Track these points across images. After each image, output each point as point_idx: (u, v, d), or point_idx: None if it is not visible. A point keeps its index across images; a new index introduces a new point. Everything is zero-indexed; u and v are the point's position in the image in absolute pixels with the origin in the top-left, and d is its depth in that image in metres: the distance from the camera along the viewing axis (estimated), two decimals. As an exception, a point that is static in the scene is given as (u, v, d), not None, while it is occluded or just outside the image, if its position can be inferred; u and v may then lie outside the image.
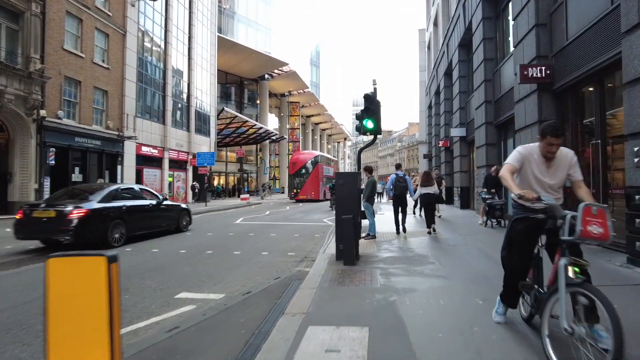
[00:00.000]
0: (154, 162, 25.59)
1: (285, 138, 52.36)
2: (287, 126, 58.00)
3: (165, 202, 11.56)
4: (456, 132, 18.60)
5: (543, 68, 8.65)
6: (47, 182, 16.10)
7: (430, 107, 31.65)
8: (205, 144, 31.85)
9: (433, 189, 10.45)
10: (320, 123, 76.62)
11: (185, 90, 29.18)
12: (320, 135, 78.65)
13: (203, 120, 32.00)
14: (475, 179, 16.08)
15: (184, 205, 13.06)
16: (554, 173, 3.26)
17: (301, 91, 57.92)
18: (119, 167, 21.21)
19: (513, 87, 11.21)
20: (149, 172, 24.76)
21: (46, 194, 16.01)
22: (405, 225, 10.29)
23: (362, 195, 9.94)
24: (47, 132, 16.01)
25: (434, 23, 28.60)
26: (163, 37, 26.24)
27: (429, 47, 33.53)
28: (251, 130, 40.69)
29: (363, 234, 9.91)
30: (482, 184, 11.76)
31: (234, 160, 50.33)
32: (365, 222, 10.45)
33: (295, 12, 61.49)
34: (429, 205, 10.43)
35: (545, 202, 2.97)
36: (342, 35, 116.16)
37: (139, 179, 23.54)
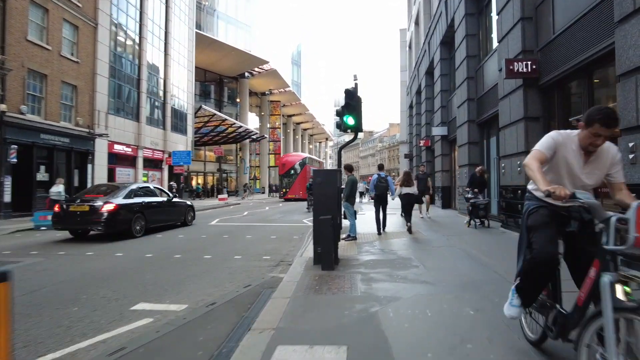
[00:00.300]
0: (128, 161, 24.60)
1: (265, 137, 51.59)
2: (268, 125, 57.24)
3: (173, 200, 13.10)
4: (437, 131, 18.37)
5: (529, 63, 8.35)
6: (7, 182, 15.08)
7: (411, 106, 31.52)
8: (182, 143, 30.93)
9: (413, 189, 10.55)
10: (302, 123, 76.03)
11: (161, 86, 28.22)
12: (301, 135, 78.09)
13: (180, 118, 31.06)
14: (457, 178, 15.84)
15: (189, 202, 14.45)
16: (591, 171, 2.63)
17: (282, 90, 57.25)
18: (89, 166, 20.21)
19: (497, 84, 10.94)
20: (121, 172, 23.77)
21: (7, 194, 15.02)
22: (387, 224, 10.32)
23: (342, 194, 9.57)
24: (7, 128, 14.99)
25: (415, 22, 28.44)
26: (138, 31, 25.26)
27: (410, 47, 33.41)
28: (230, 129, 39.84)
29: (343, 235, 9.51)
30: (467, 183, 11.46)
31: (213, 159, 49.35)
32: (345, 223, 10.01)
33: (276, 10, 60.86)
34: (408, 205, 10.47)
35: (583, 200, 2.32)
36: (324, 35, 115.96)
37: (110, 179, 22.55)
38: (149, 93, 26.44)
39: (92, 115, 20.47)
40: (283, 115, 65.84)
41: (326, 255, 5.70)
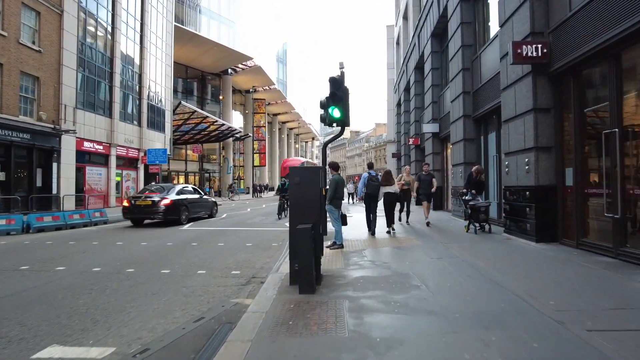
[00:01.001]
0: (99, 159, 23.00)
1: (249, 136, 50.11)
2: (253, 124, 55.78)
3: (204, 197, 16.56)
4: (428, 128, 17.35)
5: (539, 46, 7.30)
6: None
7: (399, 104, 30.54)
8: (159, 141, 29.37)
9: (393, 188, 10.15)
10: (288, 122, 74.77)
11: (137, 81, 26.64)
12: (287, 135, 76.82)
13: (157, 115, 29.49)
14: (451, 178, 14.83)
15: (213, 199, 18.02)
16: None
17: (267, 88, 55.90)
18: (54, 165, 18.62)
19: (497, 74, 9.93)
20: (92, 171, 22.19)
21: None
22: (376, 225, 9.94)
23: (326, 196, 8.45)
24: (-45, 122, 13.45)
25: (403, 16, 27.45)
26: (110, 21, 23.67)
27: (397, 43, 32.43)
28: (212, 127, 38.29)
29: (328, 243, 8.40)
30: (464, 183, 10.41)
31: (196, 159, 47.75)
32: (331, 229, 8.86)
33: (261, 7, 59.38)
34: (390, 205, 10.06)
35: None
36: (310, 34, 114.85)
37: (79, 179, 20.99)
38: (123, 87, 24.87)
39: (58, 109, 18.89)
40: (268, 114, 64.47)
41: (305, 274, 4.53)
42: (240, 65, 47.71)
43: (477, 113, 11.96)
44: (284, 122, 73.53)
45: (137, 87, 26.71)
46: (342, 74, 9.60)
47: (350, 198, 25.24)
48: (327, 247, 8.24)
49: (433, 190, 11.63)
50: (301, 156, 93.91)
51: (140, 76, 26.92)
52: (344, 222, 8.51)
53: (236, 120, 54.31)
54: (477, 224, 9.47)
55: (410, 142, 22.39)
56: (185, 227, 13.26)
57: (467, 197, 9.98)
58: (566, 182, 7.25)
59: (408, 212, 12.12)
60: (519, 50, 7.37)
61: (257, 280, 5.84)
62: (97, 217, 14.58)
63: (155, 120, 29.30)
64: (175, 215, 13.64)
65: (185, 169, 43.61)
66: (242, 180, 53.47)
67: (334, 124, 9.81)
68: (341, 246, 8.11)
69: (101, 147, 22.61)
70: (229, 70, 47.86)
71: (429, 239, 8.77)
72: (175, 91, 43.52)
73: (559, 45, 7.15)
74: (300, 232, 4.60)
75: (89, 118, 21.44)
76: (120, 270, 6.63)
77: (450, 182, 15.26)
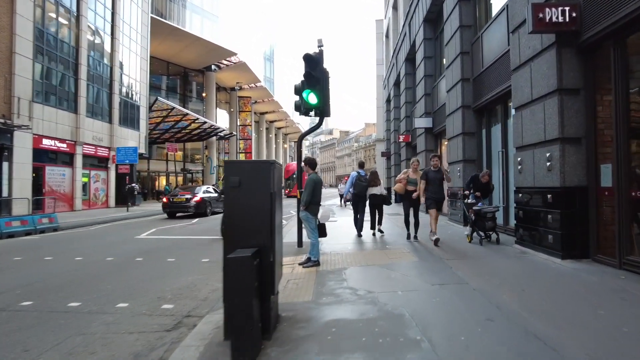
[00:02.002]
0: (63, 158, 21.00)
1: (234, 135, 48.21)
2: (238, 122, 53.87)
3: (222, 196, 16.73)
4: (421, 122, 15.77)
5: (567, 9, 5.72)
6: None
7: (388, 100, 29.00)
8: (133, 139, 27.39)
9: (379, 190, 9.55)
10: (275, 121, 72.90)
11: (108, 74, 24.64)
12: (275, 134, 74.94)
13: (131, 111, 27.49)
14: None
15: None
16: None
17: (253, 85, 54.04)
18: (4, 164, 16.65)
19: (504, 55, 8.42)
20: (54, 171, 20.17)
21: None
22: (364, 229, 9.60)
23: (301, 200, 6.89)
24: None
25: (393, 6, 25.90)
26: (75, 8, 21.69)
27: (387, 36, 30.89)
28: (194, 125, 36.32)
29: (302, 258, 6.81)
30: (466, 184, 8.81)
31: (180, 158, 45.76)
32: (307, 240, 7.23)
33: (247, 2, 57.49)
34: (374, 206, 9.54)
35: None
36: (299, 32, 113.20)
37: (38, 179, 18.99)
38: (91, 80, 22.87)
39: (9, 102, 16.92)
40: (255, 113, 62.60)
41: (240, 331, 2.85)
42: (224, 62, 45.77)
43: (478, 103, 10.39)
44: (271, 121, 71.67)
45: (108, 80, 24.71)
46: (321, 52, 7.94)
47: (340, 200, 22.93)
48: (300, 264, 6.62)
49: (446, 192, 8.94)
50: (289, 156, 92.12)
51: (111, 69, 24.91)
52: (323, 233, 6.87)
53: (221, 119, 52.35)
54: (482, 233, 7.87)
55: (401, 140, 20.82)
56: (143, 235, 11.49)
57: (469, 201, 8.41)
58: (601, 182, 5.67)
59: (417, 224, 8.71)
60: (540, 15, 5.78)
61: (190, 321, 4.14)
62: (44, 223, 12.69)
63: (129, 116, 27.30)
64: (203, 209, 17.22)
65: (166, 169, 41.63)
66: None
67: (311, 114, 8.18)
68: (317, 263, 6.47)
69: (64, 145, 20.60)
70: (212, 67, 45.91)
71: (426, 253, 7.13)
72: (158, 88, 41.58)
73: (593, 7, 5.57)
74: (234, 265, 2.92)
75: (50, 113, 19.44)
76: (11, 303, 4.88)
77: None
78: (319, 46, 8.01)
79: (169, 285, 5.68)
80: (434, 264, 6.16)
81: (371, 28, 44.50)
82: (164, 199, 18.09)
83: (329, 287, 5.02)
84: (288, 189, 45.13)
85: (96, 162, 24.08)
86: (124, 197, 25.30)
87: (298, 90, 7.86)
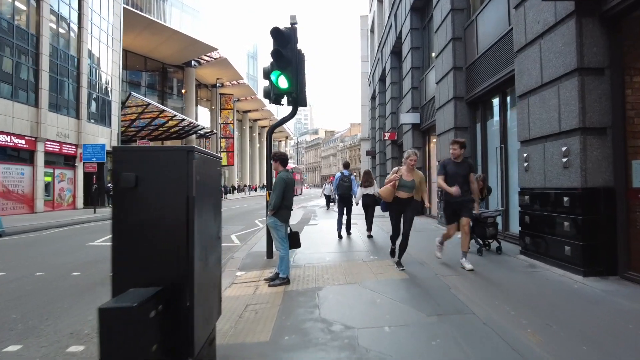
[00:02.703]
0: (20, 156, 19.32)
1: (214, 133, 46.54)
2: (220, 120, 52.24)
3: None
4: (407, 118, 14.70)
5: (591, -32, 4.66)
6: None
7: (373, 97, 27.96)
8: (104, 136, 25.75)
9: (373, 190, 9.06)
10: (259, 120, 71.36)
11: (74, 66, 22.97)
12: (259, 133, 73.35)
13: (102, 107, 25.84)
14: (435, 177, 12.19)
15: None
16: None
17: (235, 82, 52.53)
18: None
19: (504, 37, 7.34)
20: (9, 170, 18.44)
21: None
22: (350, 232, 9.50)
23: (269, 203, 5.73)
24: None
25: (378, -1, 24.87)
26: (36, -7, 20.02)
27: (372, 31, 29.86)
28: (172, 122, 34.71)
29: (269, 273, 5.67)
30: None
31: (158, 158, 44.02)
32: (276, 252, 6.04)
33: (229, -3, 55.88)
34: (368, 207, 9.11)
35: None
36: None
37: (-9, 179, 17.34)
38: (55, 72, 21.21)
39: (-44, 94, 15.29)
40: (238, 111, 61.05)
41: None
42: (204, 57, 44.21)
43: (472, 94, 9.33)
44: (255, 120, 70.15)
45: (75, 73, 23.05)
46: (294, 30, 6.75)
47: (327, 202, 20.99)
48: (266, 280, 5.45)
49: (475, 192, 5.92)
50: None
51: (79, 61, 23.25)
52: (295, 244, 5.69)
53: (202, 117, 50.73)
54: (480, 241, 6.79)
55: (386, 137, 19.75)
56: (97, 241, 10.13)
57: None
58: (633, 183, 4.62)
59: (404, 246, 5.89)
60: (557, -23, 4.71)
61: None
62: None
63: (100, 112, 25.66)
64: None
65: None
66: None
67: (282, 102, 6.98)
68: (286, 281, 5.29)
69: (23, 142, 18.93)
70: (192, 62, 44.30)
71: (417, 266, 5.99)
72: (137, 85, 39.82)
73: (623, -33, 4.51)
74: (110, 319, 1.71)
75: (5, 105, 17.78)
76: None
77: (434, 182, 12.64)
78: (292, 23, 6.81)
79: (94, 312, 4.42)
80: (428, 283, 5.02)
81: (356, 25, 43.42)
82: None
83: (296, 318, 3.84)
84: None
85: (62, 160, 22.41)
86: (94, 198, 23.78)
87: (266, 73, 6.65)
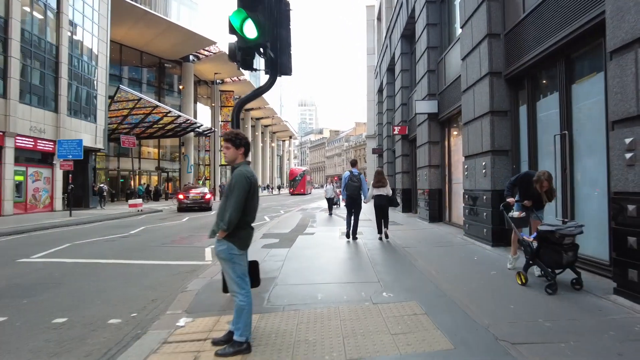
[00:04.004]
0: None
1: (214, 131, 44.40)
2: (220, 118, 50.13)
3: None
4: (423, 106, 12.43)
5: None
6: None
7: (380, 90, 25.70)
8: (88, 132, 23.68)
9: (385, 190, 8.71)
10: (262, 118, 69.32)
11: (52, 54, 20.90)
12: (262, 132, 71.36)
13: (85, 100, 23.77)
14: (462, 176, 9.95)
15: None
16: None
17: (235, 79, 50.53)
18: None
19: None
20: (-27, 168, 16.46)
21: None
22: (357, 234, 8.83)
23: (218, 217, 3.40)
24: None
25: (387, -19, 22.60)
26: (5, -28, 17.98)
27: (379, 19, 27.61)
28: (167, 119, 32.66)
29: (226, 323, 3.46)
30: (507, 186, 5.45)
31: (157, 156, 42.10)
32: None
33: (228, -12, 53.82)
34: (381, 208, 8.72)
35: None
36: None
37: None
38: (28, 60, 19.18)
39: None
40: (240, 109, 58.92)
41: None
42: (203, 52, 42.18)
43: (514, 67, 7.05)
44: (257, 119, 68.11)
45: (53, 62, 20.98)
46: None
47: (330, 205, 17.79)
48: (213, 343, 3.29)
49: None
50: (277, 155, 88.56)
51: (57, 49, 21.17)
52: (255, 282, 3.55)
53: (202, 114, 48.76)
54: (551, 271, 4.52)
55: (396, 132, 17.47)
56: (35, 256, 7.97)
57: (517, 214, 5.10)
58: None
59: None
60: None
61: None
62: None
63: (82, 106, 23.60)
64: (210, 204, 21.40)
65: (139, 167, 37.90)
66: (208, 181, 47.47)
67: (261, 68, 4.79)
68: (245, 348, 3.13)
69: (-12, 137, 16.92)
70: (191, 57, 42.26)
71: (462, 317, 3.75)
72: (135, 81, 37.94)
73: None
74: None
75: (-35, 96, 15.76)
76: None
77: (461, 182, 10.40)
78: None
79: None
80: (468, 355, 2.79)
81: (362, 17, 41.10)
82: (180, 195, 21.49)
83: None
84: (292, 188, 54.25)
85: (36, 157, 20.39)
86: (77, 199, 21.81)
87: (232, 22, 4.43)
